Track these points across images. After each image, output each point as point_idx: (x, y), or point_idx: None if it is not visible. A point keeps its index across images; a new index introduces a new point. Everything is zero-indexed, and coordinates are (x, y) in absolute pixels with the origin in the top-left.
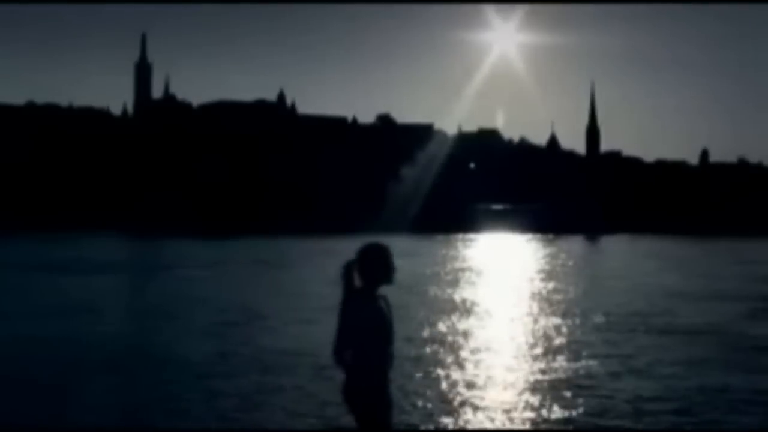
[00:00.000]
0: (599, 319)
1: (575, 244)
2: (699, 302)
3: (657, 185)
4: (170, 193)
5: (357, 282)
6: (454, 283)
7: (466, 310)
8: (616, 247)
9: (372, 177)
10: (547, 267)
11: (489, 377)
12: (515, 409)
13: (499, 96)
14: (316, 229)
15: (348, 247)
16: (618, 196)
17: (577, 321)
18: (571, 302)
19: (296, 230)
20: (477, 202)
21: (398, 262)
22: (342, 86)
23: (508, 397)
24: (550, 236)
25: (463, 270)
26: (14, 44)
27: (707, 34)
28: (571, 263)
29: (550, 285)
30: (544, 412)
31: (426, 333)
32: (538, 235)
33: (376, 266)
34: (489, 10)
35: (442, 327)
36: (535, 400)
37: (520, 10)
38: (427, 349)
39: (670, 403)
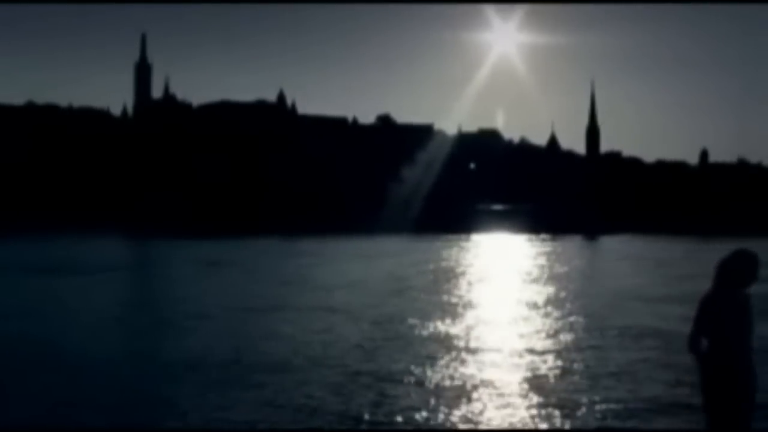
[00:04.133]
0: (547, 321)
1: (573, 244)
2: (658, 304)
3: (657, 185)
4: (170, 194)
5: (724, 279)
6: (451, 283)
7: (457, 310)
8: (611, 248)
9: (372, 177)
10: (530, 269)
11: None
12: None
13: (499, 96)
14: (317, 229)
15: (348, 248)
16: (618, 196)
17: (521, 324)
18: (527, 304)
19: (296, 231)
20: (477, 202)
21: (399, 261)
22: (342, 86)
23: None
24: (550, 236)
25: (460, 270)
26: (14, 44)
27: (707, 34)
28: (556, 264)
29: (522, 287)
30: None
31: (423, 332)
32: (538, 235)
33: (746, 270)
34: (489, 10)
35: (435, 327)
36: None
37: (520, 10)
38: (423, 349)
39: (595, 405)
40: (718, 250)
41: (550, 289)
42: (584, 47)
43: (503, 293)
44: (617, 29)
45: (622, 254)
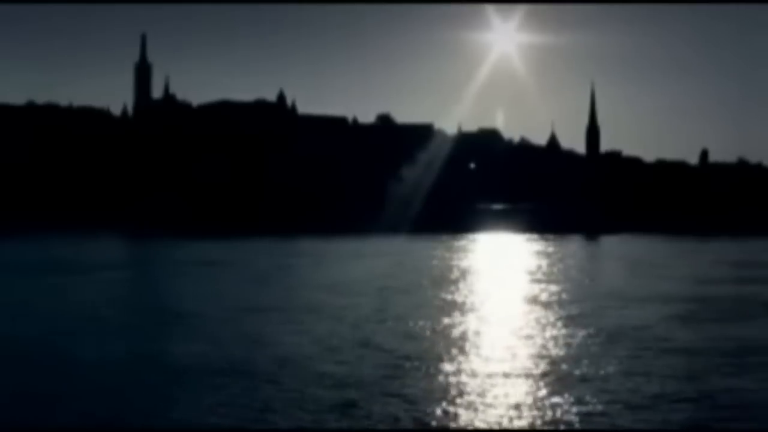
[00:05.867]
0: (531, 322)
1: (573, 243)
2: (645, 305)
3: (657, 185)
4: (170, 194)
5: None
6: (442, 282)
7: (439, 310)
8: (609, 248)
9: (372, 177)
10: (526, 268)
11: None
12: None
13: (499, 96)
14: (317, 229)
15: (346, 247)
16: (618, 196)
17: (502, 325)
18: (514, 305)
19: (296, 230)
20: (477, 202)
21: (394, 260)
22: (342, 86)
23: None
24: (550, 236)
25: (454, 269)
26: (14, 44)
27: (707, 34)
28: (552, 263)
29: (514, 286)
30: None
31: (422, 331)
32: (538, 235)
33: None
34: (489, 10)
35: (434, 325)
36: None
37: (520, 10)
38: (422, 348)
39: (565, 407)
40: (717, 250)
41: (541, 289)
42: (584, 47)
43: (492, 293)
44: (617, 29)
45: (619, 254)
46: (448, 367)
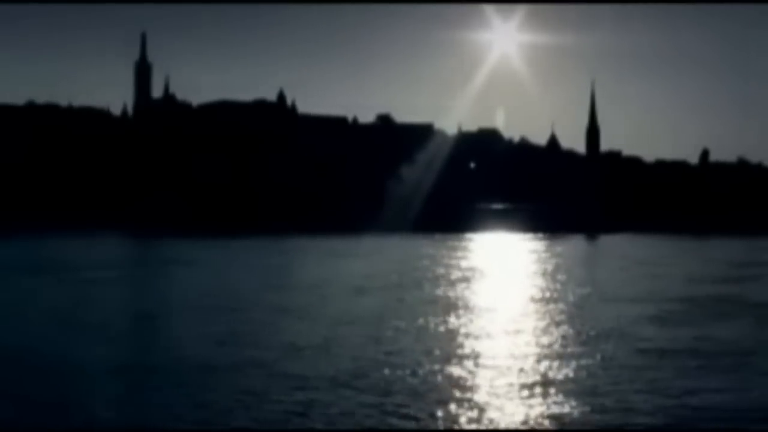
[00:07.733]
0: (510, 323)
1: (573, 243)
2: (633, 305)
3: (657, 185)
4: (170, 194)
5: None
6: (451, 281)
7: (454, 308)
8: (608, 248)
9: (372, 177)
10: (520, 268)
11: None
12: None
13: (499, 96)
14: (317, 229)
15: (342, 247)
16: (618, 195)
17: (477, 326)
18: (498, 305)
19: (297, 230)
20: (477, 202)
21: (394, 260)
22: (342, 86)
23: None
24: (550, 235)
25: (458, 269)
26: (14, 44)
27: (707, 34)
28: (547, 263)
29: (503, 286)
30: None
31: (423, 331)
32: (538, 235)
33: None
34: (489, 10)
35: (436, 325)
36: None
37: (520, 10)
38: (423, 347)
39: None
40: (717, 250)
41: (541, 289)
42: (585, 47)
43: (490, 292)
44: (618, 29)
45: (619, 254)
46: (423, 368)
